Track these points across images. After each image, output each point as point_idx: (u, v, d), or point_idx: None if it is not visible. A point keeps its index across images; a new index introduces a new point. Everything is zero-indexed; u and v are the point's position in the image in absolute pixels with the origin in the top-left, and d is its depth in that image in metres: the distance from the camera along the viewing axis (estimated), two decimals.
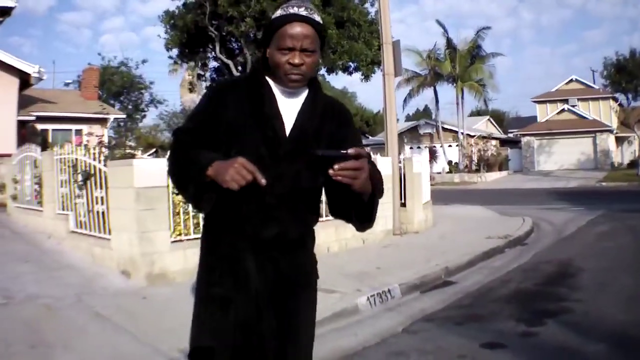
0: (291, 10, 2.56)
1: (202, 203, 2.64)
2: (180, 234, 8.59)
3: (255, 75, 2.77)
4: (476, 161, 47.86)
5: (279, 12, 2.61)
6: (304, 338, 2.79)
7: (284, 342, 2.70)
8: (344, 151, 2.28)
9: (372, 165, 2.62)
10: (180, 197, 8.64)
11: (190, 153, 2.58)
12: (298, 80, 2.61)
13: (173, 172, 2.70)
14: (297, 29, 2.54)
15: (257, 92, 2.68)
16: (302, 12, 2.56)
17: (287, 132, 2.66)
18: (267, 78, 2.71)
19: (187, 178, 2.57)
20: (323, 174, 2.36)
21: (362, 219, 2.69)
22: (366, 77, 26.28)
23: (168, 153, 2.78)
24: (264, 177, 2.40)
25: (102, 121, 25.68)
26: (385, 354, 5.59)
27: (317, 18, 2.62)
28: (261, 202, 2.59)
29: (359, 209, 2.61)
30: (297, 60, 2.55)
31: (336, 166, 2.25)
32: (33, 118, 24.74)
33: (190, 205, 7.99)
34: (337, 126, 2.76)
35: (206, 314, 2.72)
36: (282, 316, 2.70)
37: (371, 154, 11.77)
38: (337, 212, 2.74)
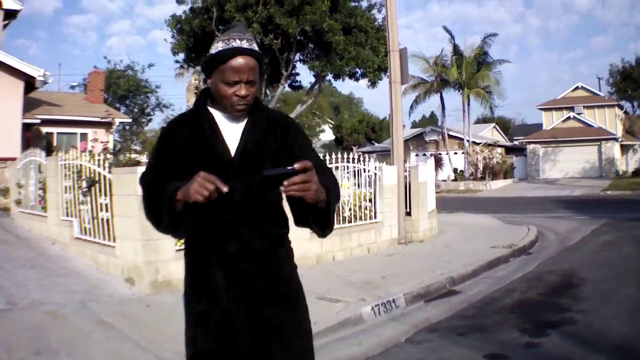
0: (234, 44, 2.70)
1: (178, 230, 2.78)
2: None
3: (197, 107, 2.95)
4: (481, 169, 47.78)
5: (221, 46, 2.73)
6: (294, 346, 2.86)
7: (268, 352, 2.80)
8: (290, 167, 2.41)
9: (328, 172, 2.87)
10: None
11: (158, 188, 2.73)
12: (244, 109, 2.81)
13: (147, 210, 2.83)
14: (241, 62, 2.69)
15: (199, 123, 2.86)
16: (245, 44, 2.71)
17: (232, 152, 2.83)
18: (210, 108, 2.90)
19: (161, 210, 2.70)
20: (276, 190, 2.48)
21: (321, 225, 2.78)
22: (373, 84, 26.20)
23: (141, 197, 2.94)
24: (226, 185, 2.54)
25: (107, 125, 25.68)
26: None
27: (256, 48, 2.78)
28: (221, 219, 2.77)
29: (316, 216, 2.71)
30: (243, 92, 2.73)
31: (285, 182, 2.38)
32: (38, 121, 24.68)
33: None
34: (282, 139, 2.90)
35: (192, 330, 2.90)
36: (263, 327, 2.81)
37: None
38: (298, 220, 2.82)
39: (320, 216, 2.72)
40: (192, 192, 2.50)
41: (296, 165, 2.40)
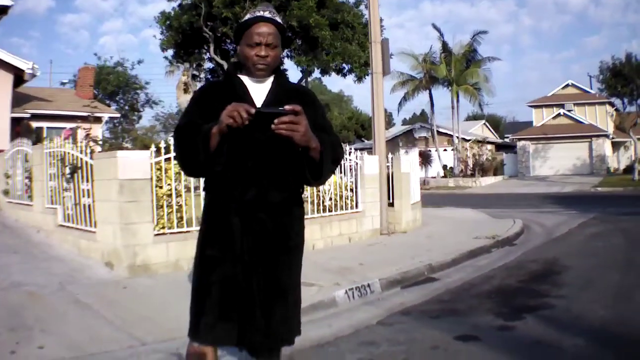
0: (258, 13, 3.17)
1: (215, 166, 3.04)
2: (163, 227, 8.67)
3: (228, 72, 3.41)
4: (471, 166, 47.85)
5: (248, 16, 3.22)
6: (291, 297, 3.23)
7: (272, 298, 3.12)
8: (282, 108, 2.79)
9: (332, 135, 3.29)
10: (163, 191, 8.73)
11: (193, 131, 3.05)
12: (264, 69, 3.22)
13: (182, 150, 3.15)
14: (262, 28, 3.14)
15: (230, 84, 3.29)
16: (267, 14, 3.16)
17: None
18: (239, 75, 3.31)
19: (197, 147, 2.99)
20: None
21: (314, 176, 3.16)
22: (359, 79, 26.30)
23: (173, 144, 3.27)
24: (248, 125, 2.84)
25: (97, 120, 25.67)
26: (356, 344, 5.64)
27: (279, 19, 3.23)
28: (243, 166, 3.10)
29: (311, 166, 3.10)
30: (263, 53, 3.15)
31: (276, 120, 2.78)
32: (28, 115, 24.67)
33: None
34: (301, 105, 3.07)
35: (200, 274, 3.20)
36: (270, 274, 3.14)
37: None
38: (300, 172, 3.18)
39: (314, 167, 3.09)
40: (224, 117, 2.84)
41: (287, 107, 2.81)
